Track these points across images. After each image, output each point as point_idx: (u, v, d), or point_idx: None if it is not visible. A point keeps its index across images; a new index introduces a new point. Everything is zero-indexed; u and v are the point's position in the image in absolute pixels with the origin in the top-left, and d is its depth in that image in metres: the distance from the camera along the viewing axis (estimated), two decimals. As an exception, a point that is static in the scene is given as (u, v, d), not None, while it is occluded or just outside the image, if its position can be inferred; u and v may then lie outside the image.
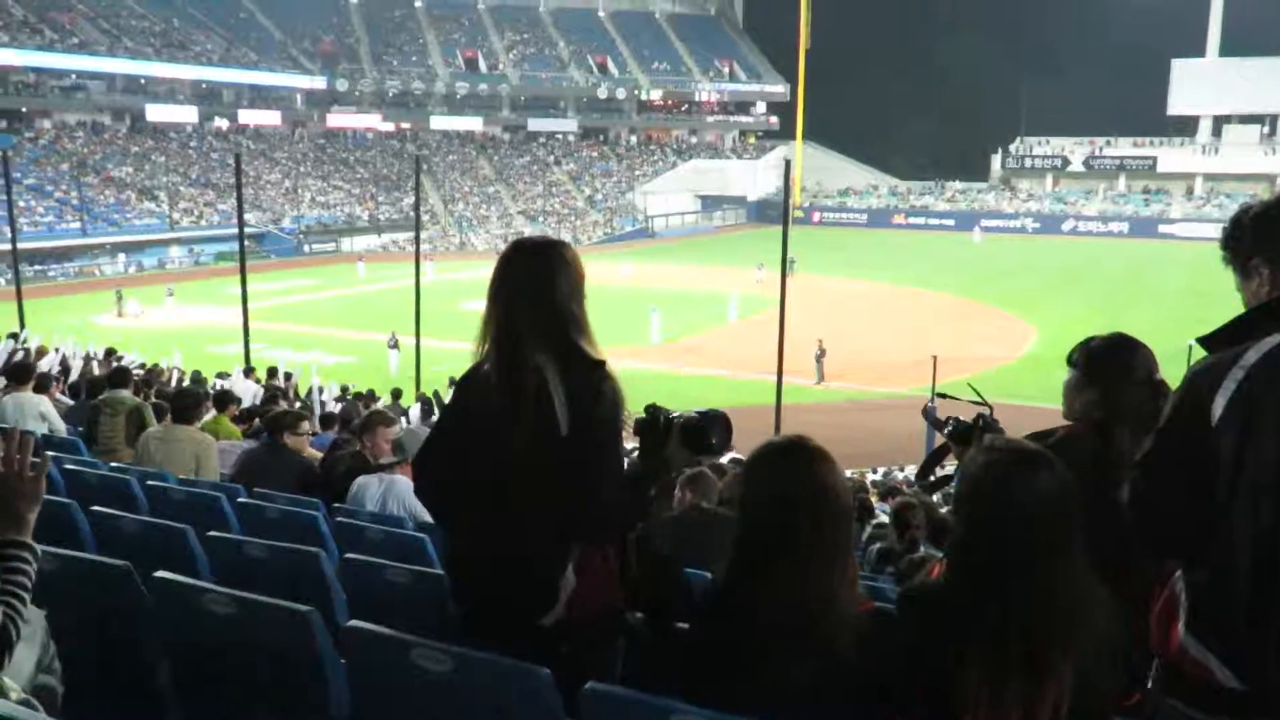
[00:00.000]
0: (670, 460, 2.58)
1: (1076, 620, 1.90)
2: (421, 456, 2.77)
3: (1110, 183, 79.44)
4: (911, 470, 18.29)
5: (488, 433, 2.55)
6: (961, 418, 3.27)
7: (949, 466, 3.46)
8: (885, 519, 10.47)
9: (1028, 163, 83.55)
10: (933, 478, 3.73)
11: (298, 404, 15.28)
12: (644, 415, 2.60)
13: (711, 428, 2.54)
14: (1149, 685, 2.35)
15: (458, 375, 2.83)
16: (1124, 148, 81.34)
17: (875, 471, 18.55)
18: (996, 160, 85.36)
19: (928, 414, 3.44)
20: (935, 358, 24.34)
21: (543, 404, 2.48)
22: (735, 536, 2.14)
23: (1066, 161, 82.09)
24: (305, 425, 6.69)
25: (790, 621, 2.01)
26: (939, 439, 3.36)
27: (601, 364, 2.54)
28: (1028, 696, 1.88)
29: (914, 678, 2.00)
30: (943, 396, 3.41)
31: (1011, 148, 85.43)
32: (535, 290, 2.56)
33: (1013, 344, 32.75)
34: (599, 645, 2.58)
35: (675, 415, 2.59)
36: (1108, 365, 2.94)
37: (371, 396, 20.16)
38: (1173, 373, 2.42)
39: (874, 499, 12.41)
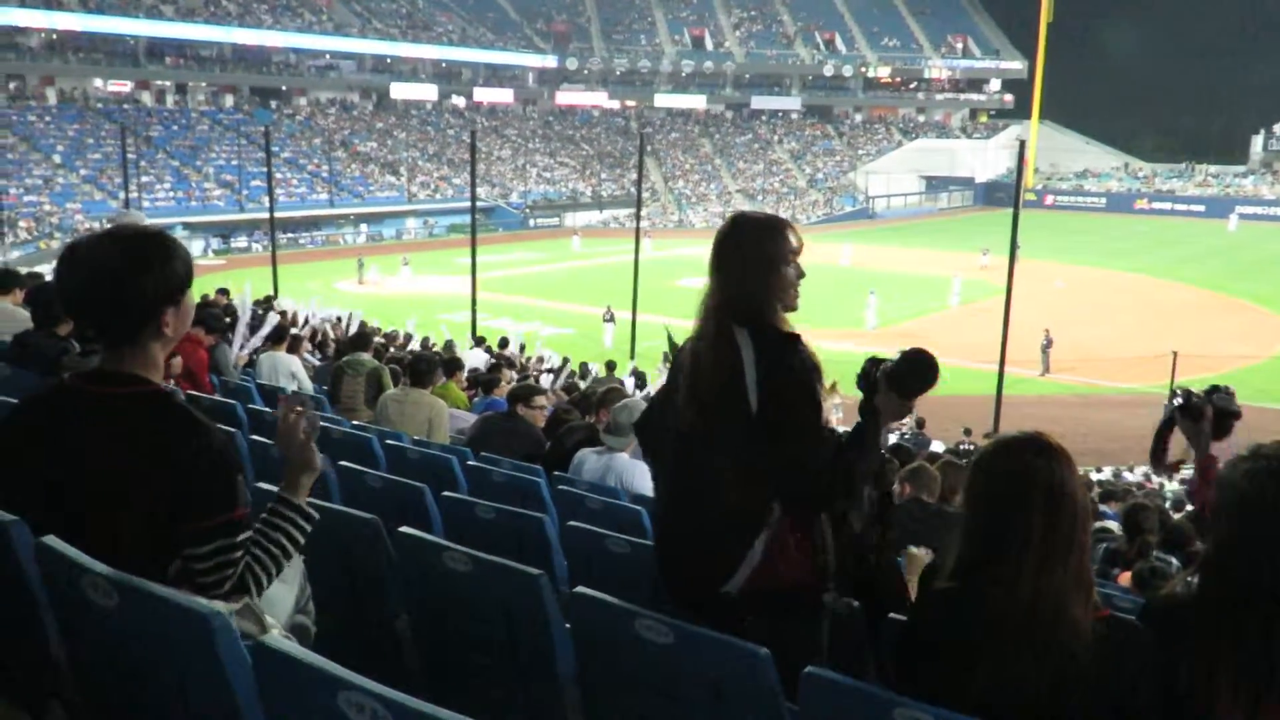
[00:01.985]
0: (881, 410, 2.49)
1: None
2: (642, 419, 2.96)
3: (1393, 168, 71.52)
4: (1142, 472, 17.20)
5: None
6: (1195, 392, 3.01)
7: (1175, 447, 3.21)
8: (1108, 524, 9.94)
9: (1294, 145, 76.33)
10: (1167, 460, 3.38)
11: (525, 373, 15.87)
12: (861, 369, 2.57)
13: (910, 370, 2.44)
14: None
15: (671, 351, 2.94)
16: None
17: (1100, 471, 17.52)
18: (1258, 142, 78.28)
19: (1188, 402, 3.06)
20: (1175, 353, 22.77)
21: (735, 381, 2.51)
22: (964, 530, 2.11)
23: (1342, 144, 74.53)
24: (540, 400, 7.03)
25: (1017, 619, 1.97)
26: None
27: (794, 338, 2.55)
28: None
29: (1158, 692, 1.92)
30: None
31: (1277, 128, 78.19)
32: (741, 265, 2.61)
33: (1264, 342, 30.12)
34: (792, 621, 2.56)
35: (884, 363, 2.53)
36: None
37: (584, 369, 20.73)
38: None
39: (1095, 499, 11.75)
